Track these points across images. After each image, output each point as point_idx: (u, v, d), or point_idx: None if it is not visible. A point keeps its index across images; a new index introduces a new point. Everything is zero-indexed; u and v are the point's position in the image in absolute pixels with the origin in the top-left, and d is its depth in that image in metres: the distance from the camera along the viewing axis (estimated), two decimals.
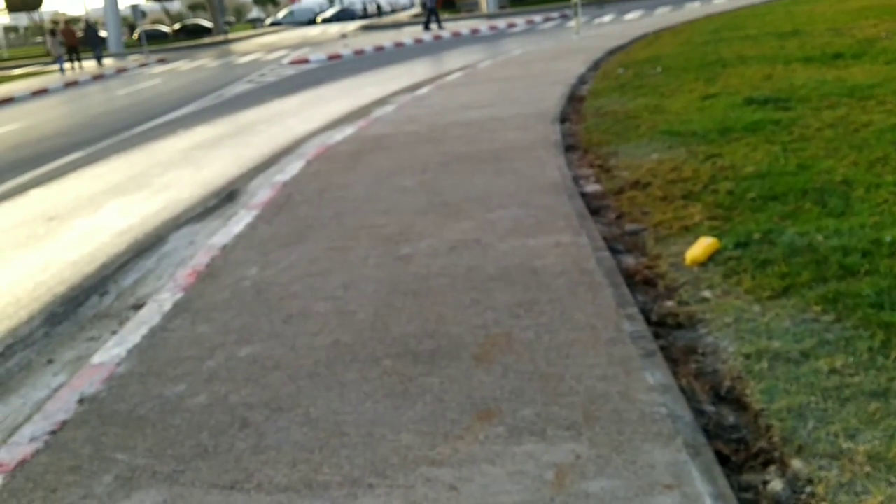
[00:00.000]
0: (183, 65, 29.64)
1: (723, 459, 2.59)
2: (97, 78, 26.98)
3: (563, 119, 9.10)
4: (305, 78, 19.14)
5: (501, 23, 30.60)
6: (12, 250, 6.65)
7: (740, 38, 14.24)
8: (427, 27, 29.21)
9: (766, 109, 7.66)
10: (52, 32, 33.00)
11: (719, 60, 11.63)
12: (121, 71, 29.36)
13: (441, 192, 6.27)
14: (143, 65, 31.23)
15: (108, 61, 34.63)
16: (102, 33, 43.29)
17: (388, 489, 2.56)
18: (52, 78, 28.25)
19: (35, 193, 8.96)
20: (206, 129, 12.47)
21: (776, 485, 2.44)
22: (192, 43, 45.44)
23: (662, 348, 3.35)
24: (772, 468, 2.53)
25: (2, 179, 10.09)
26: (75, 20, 48.54)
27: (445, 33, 28.00)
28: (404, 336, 3.69)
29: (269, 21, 67.05)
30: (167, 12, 68.77)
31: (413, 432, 2.87)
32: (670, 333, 3.56)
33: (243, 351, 3.76)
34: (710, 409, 2.93)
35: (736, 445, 2.71)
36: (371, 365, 3.44)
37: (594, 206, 5.52)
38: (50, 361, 4.26)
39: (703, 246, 4.29)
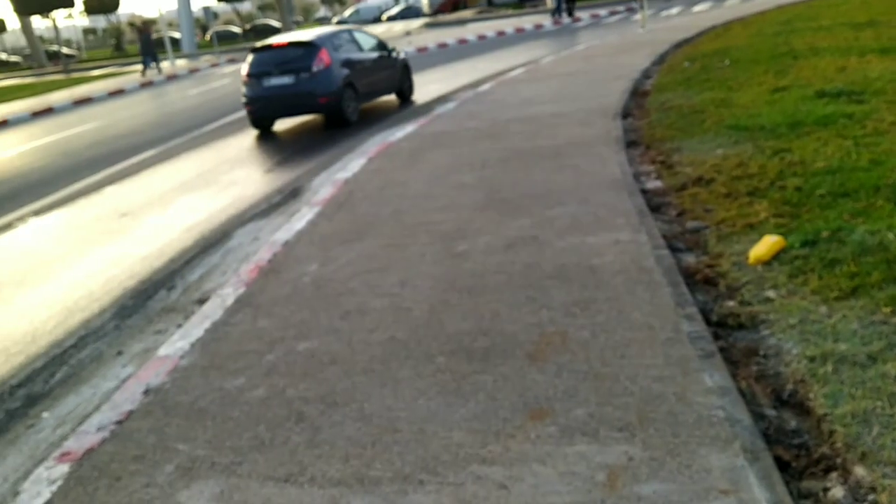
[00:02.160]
0: None
1: (782, 465, 2.52)
2: (171, 78, 27.81)
3: (626, 114, 8.96)
4: None
5: (566, 19, 30.26)
6: (87, 245, 6.92)
7: (813, 28, 13.76)
8: (562, 14, 29.10)
9: (838, 102, 7.38)
10: (140, 31, 34.27)
11: (791, 52, 11.26)
12: (193, 71, 30.18)
13: (499, 188, 6.25)
14: (214, 65, 32.05)
15: (181, 62, 35.64)
16: (175, 34, 44.60)
17: (439, 486, 2.58)
18: (128, 78, 29.23)
19: (109, 190, 9.30)
20: (274, 125, 12.70)
21: (837, 492, 2.35)
22: None
23: (722, 349, 3.27)
24: (833, 475, 2.45)
25: (79, 177, 10.49)
26: (152, 21, 50.04)
27: (510, 29, 27.86)
28: (459, 333, 3.70)
29: (335, 20, 67.97)
30: (238, 13, 70.36)
31: (465, 430, 2.88)
32: (731, 334, 3.47)
33: (301, 346, 3.83)
34: (770, 412, 2.85)
35: (797, 451, 2.62)
36: (425, 362, 3.46)
37: (655, 204, 5.42)
38: (119, 353, 4.42)
39: (767, 244, 4.17)
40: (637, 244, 4.54)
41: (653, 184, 5.95)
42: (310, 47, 11.52)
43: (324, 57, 11.37)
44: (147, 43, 30.91)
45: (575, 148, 7.32)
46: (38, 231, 7.72)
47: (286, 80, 11.40)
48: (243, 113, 12.27)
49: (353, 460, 2.79)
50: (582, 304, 3.84)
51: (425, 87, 14.99)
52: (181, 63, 35.40)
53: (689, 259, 4.35)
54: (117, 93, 24.30)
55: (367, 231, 5.63)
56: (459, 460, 2.70)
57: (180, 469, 2.89)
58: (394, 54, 13.29)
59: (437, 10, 28.69)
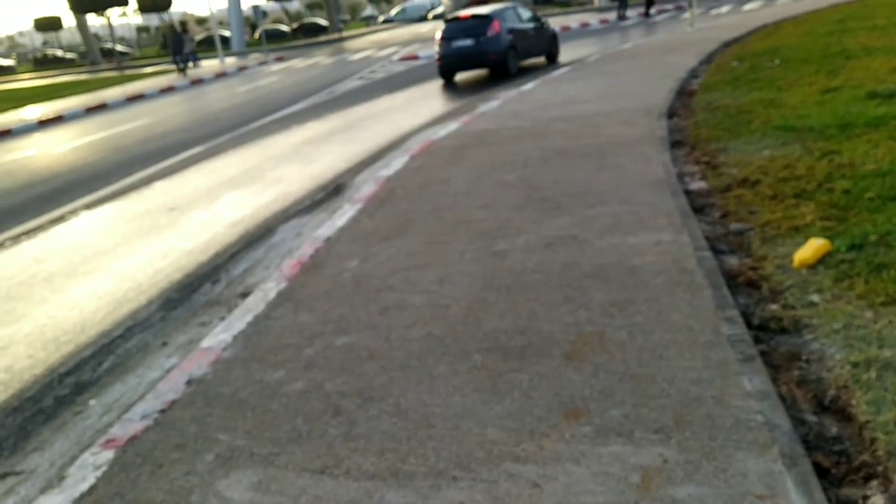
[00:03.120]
0: (298, 62, 30.68)
1: (821, 472, 2.48)
2: (220, 76, 28.32)
3: (671, 114, 8.85)
4: (414, 74, 19.42)
5: (612, 16, 29.99)
6: (137, 238, 7.09)
7: (867, 28, 13.41)
8: (626, 9, 29.05)
9: (890, 104, 7.19)
10: (172, 31, 35.05)
11: (843, 52, 11.00)
12: (242, 69, 30.70)
13: (541, 187, 6.24)
14: (262, 63, 32.55)
15: (230, 60, 36.26)
16: (226, 32, 45.27)
17: (472, 483, 2.59)
18: (175, 77, 29.86)
19: (159, 185, 9.52)
20: (317, 125, 12.87)
21: (878, 500, 2.31)
22: (308, 41, 46.94)
23: (763, 353, 3.22)
24: (874, 483, 2.40)
25: (131, 171, 10.77)
26: (203, 20, 50.91)
27: (556, 27, 27.71)
28: (495, 331, 3.71)
29: (381, 18, 68.39)
30: (287, 12, 71.25)
31: (499, 427, 2.89)
32: (772, 338, 3.41)
33: (340, 341, 3.88)
34: (811, 418, 2.80)
35: (836, 457, 2.57)
36: (461, 359, 3.48)
37: (698, 205, 5.35)
38: (164, 344, 4.53)
39: (813, 247, 4.09)
40: (679, 245, 4.49)
41: (697, 184, 5.87)
42: (486, 19, 15.79)
43: (495, 26, 15.60)
44: (178, 42, 31.56)
45: (618, 147, 7.26)
46: (90, 224, 7.94)
47: (468, 42, 15.68)
48: (289, 111, 12.49)
49: (388, 454, 2.82)
50: (621, 304, 3.81)
51: (471, 85, 14.99)
52: (230, 61, 36.00)
53: (732, 261, 4.29)
54: (168, 90, 24.84)
55: (408, 228, 5.66)
56: (493, 457, 2.71)
57: (220, 458, 2.96)
58: (545, 26, 17.44)
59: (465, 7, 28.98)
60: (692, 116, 8.55)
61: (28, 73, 53.81)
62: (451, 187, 6.73)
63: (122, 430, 3.30)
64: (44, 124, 19.41)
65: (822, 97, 8.14)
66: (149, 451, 3.09)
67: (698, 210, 5.22)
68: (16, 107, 25.01)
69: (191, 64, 31.70)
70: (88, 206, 8.77)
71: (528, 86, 13.13)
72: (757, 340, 3.34)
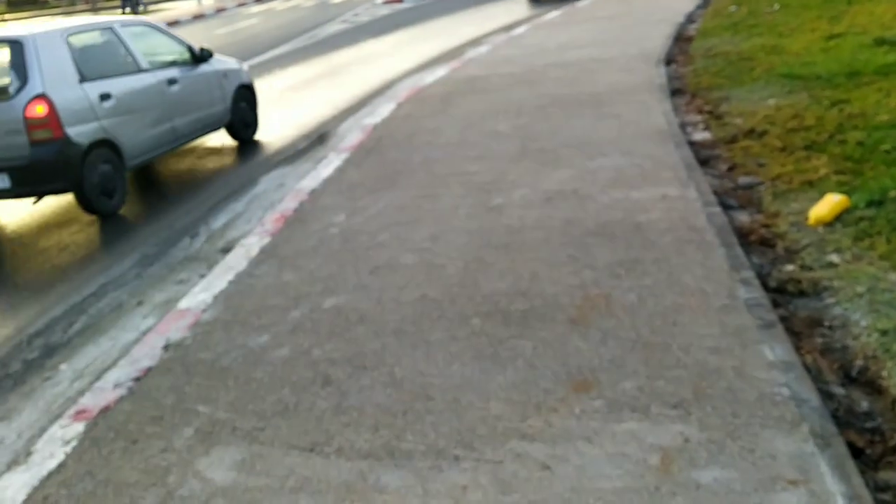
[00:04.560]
0: (279, 4, 29.71)
1: (855, 452, 2.28)
2: (197, 17, 27.39)
3: (669, 61, 8.53)
4: (399, 18, 18.80)
5: None
6: None
7: None
8: None
9: None
10: None
11: None
12: (220, 10, 29.67)
13: (537, 137, 5.95)
14: (241, 4, 31.50)
15: (207, 1, 35.12)
16: None
17: (475, 463, 2.38)
18: (159, 17, 28.85)
19: None
20: (300, 70, 12.39)
21: None
22: None
23: (783, 319, 3.01)
24: None
25: None
26: None
27: None
28: (495, 294, 3.47)
29: None
30: None
31: (503, 401, 2.67)
32: (791, 301, 3.20)
33: (328, 302, 3.63)
34: (839, 391, 2.60)
35: (871, 436, 2.38)
36: (459, 324, 3.24)
37: (703, 156, 5.10)
38: (140, 303, 4.25)
39: (829, 203, 3.87)
40: (686, 200, 4.25)
41: (700, 135, 5.61)
42: None
43: None
44: None
45: (616, 95, 6.96)
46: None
47: None
48: (271, 55, 11.99)
49: (382, 430, 2.60)
50: (628, 264, 3.58)
51: (457, 29, 14.53)
52: (208, 2, 34.86)
53: (743, 217, 4.06)
54: None
55: (397, 180, 5.38)
56: (497, 435, 2.50)
57: (200, 433, 2.72)
58: None
59: None
60: (691, 63, 8.24)
61: (0, 13, 52.05)
62: (441, 137, 6.42)
63: (94, 400, 3.05)
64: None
65: (827, 44, 7.85)
66: (122, 425, 2.85)
67: (704, 162, 4.96)
68: None
69: (141, 7, 29.62)
70: None
71: (519, 30, 12.69)
72: (775, 304, 3.13)
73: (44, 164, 5.39)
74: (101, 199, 5.70)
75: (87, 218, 5.83)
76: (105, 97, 5.83)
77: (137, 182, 6.80)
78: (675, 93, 6.97)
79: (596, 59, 8.93)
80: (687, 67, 8.06)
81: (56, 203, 6.23)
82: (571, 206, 4.42)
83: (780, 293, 3.26)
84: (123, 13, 27.33)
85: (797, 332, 2.94)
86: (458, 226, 4.37)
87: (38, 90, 5.37)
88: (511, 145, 5.82)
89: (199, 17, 27.54)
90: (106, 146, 5.80)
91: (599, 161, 5.14)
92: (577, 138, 5.74)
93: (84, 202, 5.65)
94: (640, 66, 8.15)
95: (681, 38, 9.88)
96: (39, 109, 5.34)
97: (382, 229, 4.48)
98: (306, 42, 16.23)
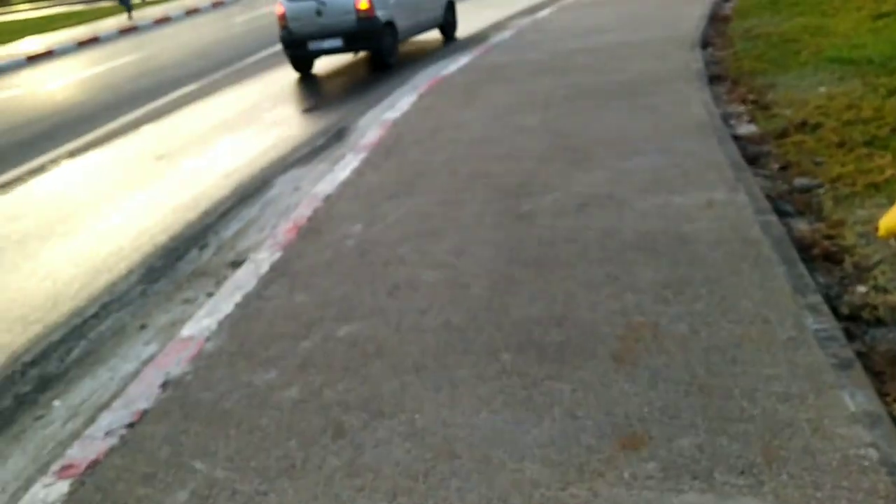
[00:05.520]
0: None
1: None
2: (216, 5, 27.08)
3: (705, 44, 8.04)
4: None
5: None
6: (121, 192, 6.47)
7: None
8: None
9: None
10: None
11: None
12: None
13: (567, 133, 5.55)
14: None
15: None
16: None
17: None
18: (173, 6, 28.59)
19: (147, 129, 8.83)
20: (319, 59, 12.01)
21: None
22: None
23: (860, 355, 2.62)
24: None
25: (119, 113, 10.05)
26: None
27: None
28: (526, 321, 3.11)
29: None
30: None
31: (539, 461, 2.31)
32: (868, 332, 2.80)
33: (342, 330, 3.29)
34: None
35: None
36: (487, 359, 2.89)
37: (751, 154, 4.67)
38: (143, 326, 3.96)
39: None
40: (736, 206, 3.84)
41: (746, 128, 5.17)
42: None
43: None
44: None
45: (650, 84, 6.52)
46: (71, 175, 7.30)
47: None
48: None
49: (401, 498, 2.26)
50: (674, 285, 3.20)
51: (479, 13, 14.06)
52: None
53: (802, 226, 3.65)
54: (163, 20, 23.76)
55: (418, 183, 5.02)
56: None
57: (196, 497, 2.40)
58: None
59: None
60: (730, 46, 7.75)
61: (24, 3, 52.16)
62: (464, 133, 6.04)
63: (82, 452, 2.74)
64: (32, 60, 18.53)
65: (875, 24, 7.32)
66: (110, 484, 2.54)
67: (752, 160, 4.54)
68: (5, 41, 24.02)
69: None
70: (71, 154, 8.10)
71: (544, 13, 12.21)
72: (849, 336, 2.74)
73: (363, 32, 9.94)
74: (387, 57, 10.11)
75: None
76: None
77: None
78: (714, 80, 6.52)
79: (626, 43, 8.47)
80: (725, 51, 7.58)
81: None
82: (607, 213, 4.03)
83: (853, 321, 2.86)
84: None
85: (879, 373, 2.54)
86: (484, 237, 4.01)
87: None
88: (539, 142, 5.43)
89: (218, 4, 27.24)
90: (391, 26, 10.19)
91: (635, 160, 4.73)
92: (609, 134, 5.33)
93: (378, 57, 10.17)
94: (674, 51, 7.68)
95: (716, 19, 9.37)
96: (363, 5, 9.89)
97: (402, 241, 4.13)
98: None
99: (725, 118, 5.38)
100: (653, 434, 2.35)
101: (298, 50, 10.35)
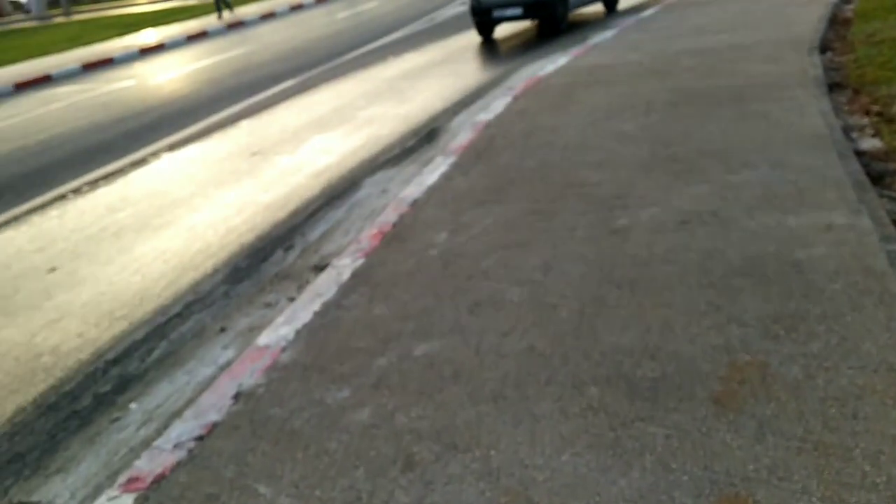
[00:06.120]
0: None
1: None
2: (320, 1, 27.55)
3: (824, 48, 7.49)
4: None
5: None
6: (214, 188, 6.55)
7: None
8: None
9: None
10: None
11: None
12: None
13: (668, 141, 5.22)
14: None
15: None
16: None
17: None
18: (278, 2, 29.27)
19: (245, 125, 8.95)
20: (415, 56, 11.98)
21: None
22: None
23: None
24: None
25: (219, 108, 10.27)
26: None
27: None
28: (617, 351, 2.86)
29: None
30: None
31: None
32: None
33: (420, 348, 3.13)
34: None
35: None
36: (572, 392, 2.67)
37: (876, 172, 4.25)
38: (223, 329, 3.92)
39: None
40: (858, 232, 3.47)
41: (870, 143, 4.72)
42: None
43: None
44: None
45: (761, 90, 6.09)
46: (170, 168, 7.46)
47: None
48: (387, 39, 11.76)
49: None
50: (786, 320, 2.88)
51: (581, 10, 13.69)
52: None
53: None
54: (268, 16, 24.34)
55: (508, 190, 4.81)
56: None
57: None
58: None
59: None
60: (850, 51, 7.18)
61: None
62: (559, 137, 5.79)
63: (150, 464, 2.69)
64: (145, 53, 19.31)
65: None
66: (174, 502, 2.46)
67: (877, 179, 4.12)
68: (122, 34, 25.17)
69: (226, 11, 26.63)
70: (171, 147, 8.30)
71: (649, 11, 11.74)
72: None
73: (540, 2, 11.42)
74: (559, 24, 11.58)
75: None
76: None
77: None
78: (833, 88, 6.02)
79: (736, 45, 7.99)
80: (846, 56, 7.03)
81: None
82: (711, 232, 3.72)
83: None
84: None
85: None
86: (575, 252, 3.77)
87: None
88: (638, 150, 5.13)
89: (321, 0, 27.70)
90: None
91: (744, 174, 4.38)
92: (715, 143, 4.98)
93: (551, 27, 11.67)
94: (789, 54, 7.17)
95: (836, 21, 8.74)
96: None
97: (487, 253, 3.94)
98: (424, 26, 15.84)
99: (846, 131, 4.93)
100: (758, 498, 2.08)
101: (484, 17, 12.02)
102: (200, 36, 21.35)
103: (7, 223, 6.45)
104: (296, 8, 25.99)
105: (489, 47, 11.68)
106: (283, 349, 3.33)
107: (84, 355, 3.89)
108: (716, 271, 3.34)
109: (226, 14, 25.79)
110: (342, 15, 21.43)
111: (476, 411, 2.66)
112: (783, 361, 2.64)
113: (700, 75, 6.97)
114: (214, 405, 2.98)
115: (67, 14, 42.65)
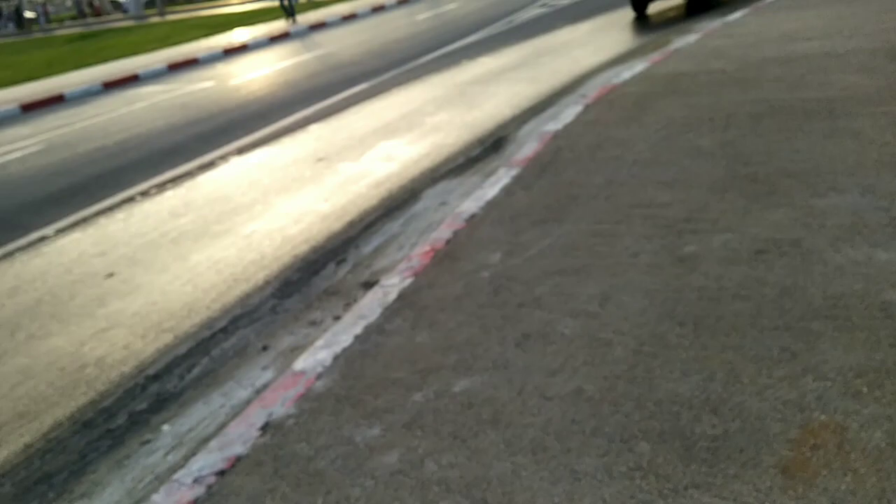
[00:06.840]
0: None
1: None
2: (402, 2, 27.65)
3: None
4: (598, 1, 17.60)
5: None
6: (276, 194, 6.50)
7: None
8: None
9: None
10: None
11: None
12: None
13: (748, 159, 4.84)
14: None
15: None
16: None
17: None
18: (360, 3, 29.54)
19: (314, 129, 8.93)
20: (489, 60, 11.76)
21: None
22: None
23: None
24: None
25: (291, 111, 10.31)
26: None
27: None
28: (674, 401, 2.58)
29: None
30: None
31: None
32: None
33: (459, 384, 2.92)
34: None
35: None
36: (620, 447, 2.41)
37: None
38: (265, 348, 3.80)
39: None
40: None
41: None
42: None
43: None
44: None
45: (854, 104, 5.61)
46: (236, 172, 7.47)
47: None
48: (463, 42, 11.57)
49: None
50: (871, 374, 2.54)
51: (663, 13, 13.19)
52: None
53: None
54: (349, 17, 24.56)
55: (570, 208, 4.55)
56: None
57: None
58: None
59: None
60: None
61: None
62: (629, 151, 5.47)
63: (167, 499, 2.56)
64: (228, 53, 19.72)
65: None
66: None
67: None
68: (209, 34, 25.85)
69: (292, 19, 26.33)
70: (240, 151, 8.34)
71: (735, 15, 11.19)
72: None
73: None
74: (710, 3, 12.28)
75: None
76: None
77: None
78: None
79: (828, 53, 7.46)
80: None
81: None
82: (790, 265, 3.37)
83: None
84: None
85: None
86: (636, 282, 3.49)
87: None
88: (714, 168, 4.77)
89: (403, 1, 27.81)
90: None
91: (831, 199, 3.99)
92: (799, 163, 4.58)
93: (703, 4, 12.47)
94: (886, 65, 6.63)
95: None
96: None
97: (542, 278, 3.69)
98: (502, 28, 15.57)
99: None
100: None
101: None
102: (283, 37, 21.70)
103: (75, 224, 6.57)
104: (377, 9, 26.14)
105: (567, 51, 11.35)
106: (319, 376, 3.17)
107: (127, 368, 3.84)
108: (793, 312, 3.01)
109: (289, 21, 25.80)
110: (422, 16, 21.39)
111: (512, 463, 2.43)
112: (865, 425, 2.31)
113: (787, 86, 6.51)
114: (241, 436, 2.84)
115: (162, 14, 44.25)
